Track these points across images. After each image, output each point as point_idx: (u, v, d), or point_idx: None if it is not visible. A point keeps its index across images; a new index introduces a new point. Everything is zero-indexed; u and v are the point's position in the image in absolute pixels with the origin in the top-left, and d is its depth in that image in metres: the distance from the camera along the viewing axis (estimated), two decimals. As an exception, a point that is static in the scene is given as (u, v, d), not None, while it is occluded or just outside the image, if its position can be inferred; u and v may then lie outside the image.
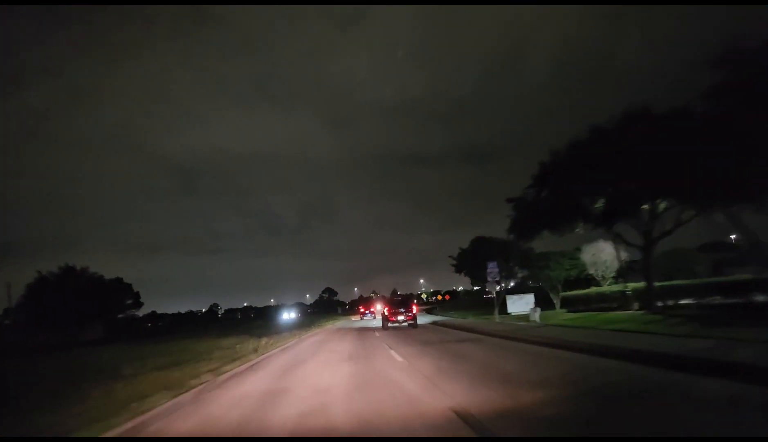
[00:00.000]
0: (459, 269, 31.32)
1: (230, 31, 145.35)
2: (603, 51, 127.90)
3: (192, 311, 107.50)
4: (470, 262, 28.85)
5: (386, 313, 22.11)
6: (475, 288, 47.59)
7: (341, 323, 35.18)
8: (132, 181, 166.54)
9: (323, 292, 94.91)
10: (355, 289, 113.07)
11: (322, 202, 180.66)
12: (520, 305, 25.18)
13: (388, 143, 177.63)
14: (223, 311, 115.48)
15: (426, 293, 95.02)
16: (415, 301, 34.89)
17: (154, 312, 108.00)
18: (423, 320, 27.52)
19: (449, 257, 31.76)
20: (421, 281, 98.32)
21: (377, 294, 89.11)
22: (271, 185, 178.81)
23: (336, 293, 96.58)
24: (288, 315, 51.36)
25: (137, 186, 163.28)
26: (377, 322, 29.18)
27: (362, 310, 43.39)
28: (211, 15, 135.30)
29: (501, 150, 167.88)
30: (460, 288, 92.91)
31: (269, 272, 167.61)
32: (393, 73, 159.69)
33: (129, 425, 4.82)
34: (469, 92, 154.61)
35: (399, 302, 24.28)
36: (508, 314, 24.89)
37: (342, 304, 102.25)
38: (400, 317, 21.18)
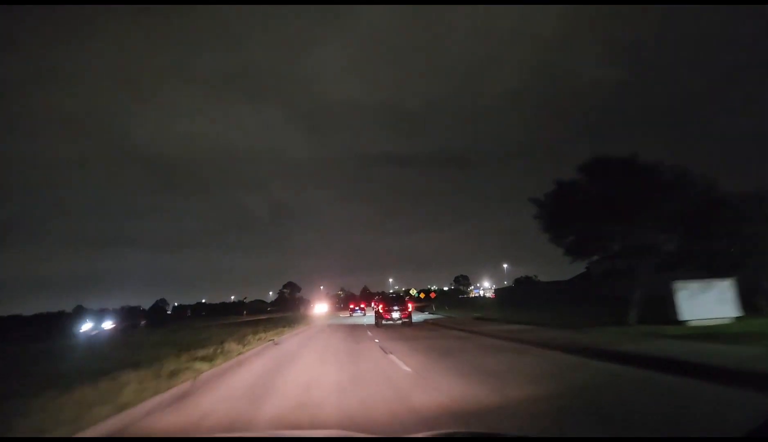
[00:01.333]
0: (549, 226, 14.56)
1: (204, 23, 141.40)
2: (568, 69, 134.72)
3: (133, 307, 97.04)
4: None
5: (381, 310, 21.69)
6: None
7: (302, 333, 18.97)
8: (92, 170, 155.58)
9: (284, 287, 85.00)
10: (321, 287, 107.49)
11: (293, 200, 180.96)
12: (710, 302, 11.73)
13: (361, 143, 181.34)
14: (171, 308, 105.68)
15: (415, 290, 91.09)
16: (409, 298, 35.35)
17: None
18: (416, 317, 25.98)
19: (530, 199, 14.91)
20: (390, 280, 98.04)
21: (368, 292, 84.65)
22: (242, 180, 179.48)
23: (299, 289, 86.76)
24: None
25: (98, 175, 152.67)
26: (368, 319, 27.97)
27: (352, 306, 43.19)
28: (183, 6, 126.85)
29: (472, 155, 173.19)
30: (433, 287, 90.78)
31: (236, 269, 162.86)
32: (368, 74, 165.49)
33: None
34: (442, 96, 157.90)
35: (394, 299, 24.13)
36: (683, 322, 11.48)
37: (308, 301, 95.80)
38: (395, 315, 20.88)
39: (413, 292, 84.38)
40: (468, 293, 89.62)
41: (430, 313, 33.99)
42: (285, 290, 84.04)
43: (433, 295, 55.62)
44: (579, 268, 38.81)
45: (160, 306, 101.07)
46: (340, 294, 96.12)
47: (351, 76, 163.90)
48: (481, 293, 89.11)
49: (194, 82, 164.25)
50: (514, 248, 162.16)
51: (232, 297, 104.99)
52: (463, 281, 72.88)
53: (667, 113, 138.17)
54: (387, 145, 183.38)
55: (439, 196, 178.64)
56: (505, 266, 71.14)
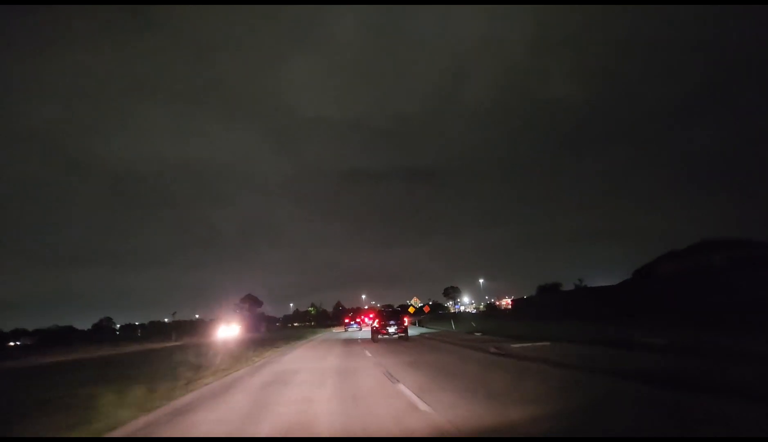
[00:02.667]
0: None
1: (173, 38, 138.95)
2: (537, 87, 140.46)
3: (72, 328, 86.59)
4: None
5: (377, 325, 21.81)
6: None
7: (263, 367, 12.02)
8: (49, 184, 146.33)
9: (242, 300, 68.30)
10: (291, 304, 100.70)
11: (262, 217, 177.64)
12: None
13: (331, 159, 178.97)
14: (118, 327, 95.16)
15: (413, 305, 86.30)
16: (407, 313, 32.69)
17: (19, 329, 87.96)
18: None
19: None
20: (363, 296, 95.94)
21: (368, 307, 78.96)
22: (210, 197, 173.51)
23: (260, 303, 72.25)
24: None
25: (56, 191, 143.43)
26: (362, 334, 28.09)
27: (347, 321, 42.64)
28: (153, 18, 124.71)
29: (443, 171, 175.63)
30: (412, 301, 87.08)
31: (204, 286, 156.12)
32: (338, 90, 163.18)
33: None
34: (413, 112, 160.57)
35: (390, 313, 24.37)
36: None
37: (273, 321, 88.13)
38: (391, 329, 20.99)
39: (415, 303, 79.76)
40: (447, 309, 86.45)
41: (414, 329, 32.38)
42: (242, 304, 67.60)
43: (426, 309, 52.12)
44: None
45: (105, 325, 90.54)
46: (311, 310, 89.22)
47: (321, 93, 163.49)
48: (462, 308, 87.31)
49: (162, 97, 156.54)
50: (488, 263, 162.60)
51: (196, 315, 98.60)
52: (452, 292, 68.02)
53: (637, 128, 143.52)
54: (358, 161, 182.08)
55: (412, 213, 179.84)
56: (481, 280, 71.14)
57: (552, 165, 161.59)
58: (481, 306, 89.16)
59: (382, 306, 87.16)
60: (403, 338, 20.68)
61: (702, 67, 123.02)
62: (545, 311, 29.33)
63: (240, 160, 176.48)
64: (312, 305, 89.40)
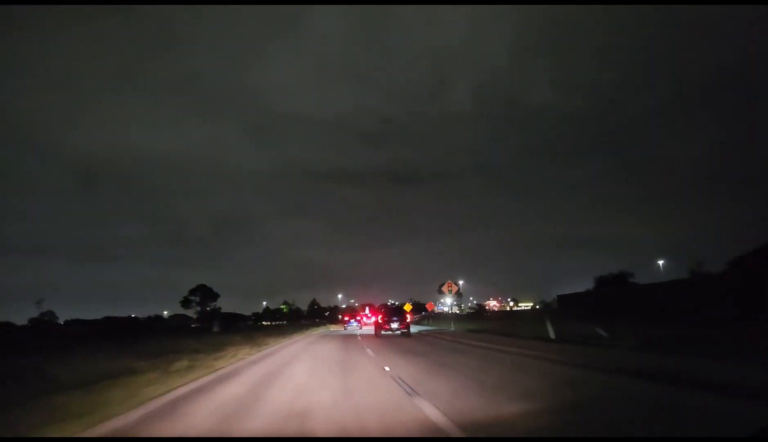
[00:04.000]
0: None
1: (148, 27, 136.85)
2: (518, 93, 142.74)
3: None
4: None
5: (380, 321, 22.52)
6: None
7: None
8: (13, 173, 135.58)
9: (191, 293, 55.61)
10: (264, 302, 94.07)
11: (237, 214, 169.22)
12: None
13: (310, 158, 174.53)
14: (62, 322, 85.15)
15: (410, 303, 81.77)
16: (410, 311, 32.56)
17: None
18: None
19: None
20: (339, 296, 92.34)
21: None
22: (183, 191, 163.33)
23: (215, 296, 58.86)
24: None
25: (19, 179, 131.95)
26: (363, 331, 29.27)
27: (346, 318, 41.46)
28: (129, 7, 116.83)
29: (424, 174, 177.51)
30: (391, 301, 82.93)
31: (175, 282, 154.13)
32: (322, 87, 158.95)
33: None
34: (396, 114, 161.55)
35: (393, 310, 24.44)
36: None
37: (241, 318, 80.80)
38: (394, 325, 21.36)
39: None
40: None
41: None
42: (192, 298, 55.81)
43: (430, 306, 49.32)
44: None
45: (44, 320, 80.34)
46: (283, 308, 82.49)
47: (302, 91, 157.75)
48: (446, 309, 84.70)
49: (136, 88, 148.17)
50: (469, 265, 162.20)
51: (165, 312, 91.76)
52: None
53: (615, 138, 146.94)
54: (338, 161, 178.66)
55: (391, 214, 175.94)
56: (461, 282, 68.73)
57: (532, 171, 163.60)
58: (462, 308, 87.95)
59: (380, 304, 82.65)
60: (405, 335, 20.79)
61: (681, 77, 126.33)
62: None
63: (215, 154, 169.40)
64: (285, 303, 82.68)
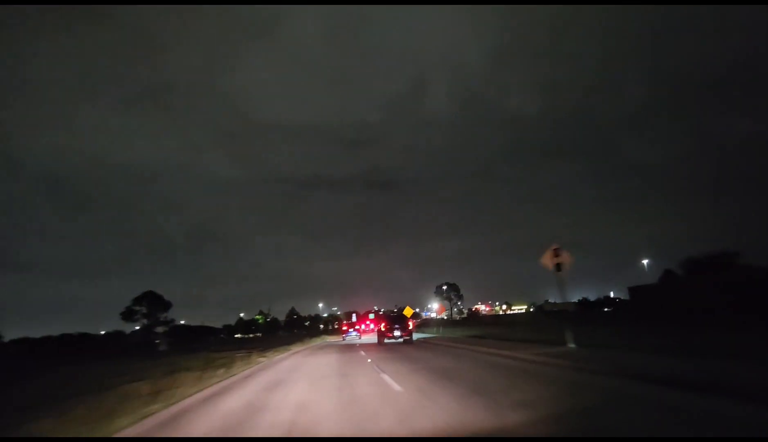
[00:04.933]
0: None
1: (120, 33, 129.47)
2: (493, 99, 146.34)
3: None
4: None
5: (383, 329, 22.47)
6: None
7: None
8: None
9: (135, 302, 45.11)
10: (242, 314, 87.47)
11: (213, 224, 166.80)
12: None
13: (288, 166, 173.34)
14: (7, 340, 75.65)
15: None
16: (412, 318, 31.46)
17: None
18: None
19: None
20: (320, 305, 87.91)
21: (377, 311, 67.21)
22: (155, 202, 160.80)
23: (167, 306, 48.31)
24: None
25: None
26: (363, 341, 29.53)
27: (345, 328, 38.99)
28: (98, 13, 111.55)
29: (404, 180, 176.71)
30: (375, 308, 78.59)
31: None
32: (299, 94, 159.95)
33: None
34: (375, 120, 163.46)
35: (396, 319, 24.10)
36: None
37: (210, 332, 73.69)
38: (396, 333, 21.41)
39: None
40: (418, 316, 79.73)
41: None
42: (137, 308, 45.31)
43: (442, 310, 43.90)
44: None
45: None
46: (258, 319, 75.89)
47: (279, 98, 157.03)
48: (433, 315, 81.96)
49: (107, 96, 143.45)
50: (451, 272, 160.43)
51: (137, 327, 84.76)
52: (448, 292, 57.42)
53: (586, 144, 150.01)
54: (316, 168, 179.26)
55: (371, 222, 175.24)
56: (444, 287, 70.49)
57: (508, 176, 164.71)
58: (452, 313, 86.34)
59: (386, 310, 78.14)
60: (408, 342, 20.95)
61: (648, 84, 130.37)
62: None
63: (190, 163, 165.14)
64: (260, 313, 75.97)
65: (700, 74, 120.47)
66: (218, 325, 79.70)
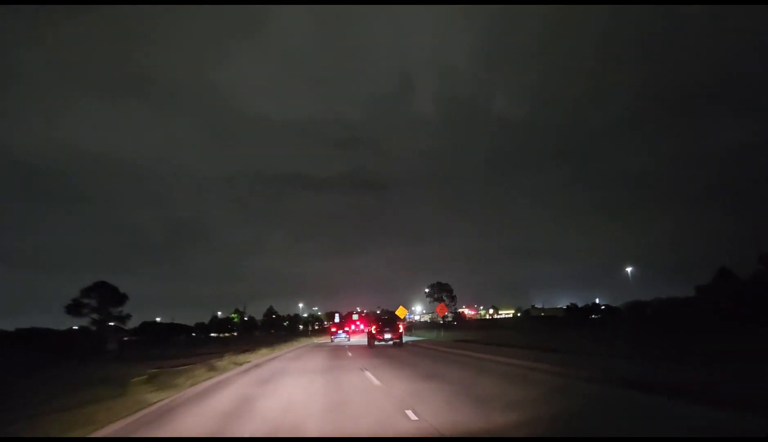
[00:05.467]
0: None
1: (101, 23, 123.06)
2: (481, 97, 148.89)
3: None
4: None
5: (373, 331, 22.67)
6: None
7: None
8: None
9: (84, 294, 38.44)
10: (219, 313, 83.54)
11: (195, 220, 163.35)
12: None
13: (272, 163, 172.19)
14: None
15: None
16: (402, 321, 31.22)
17: None
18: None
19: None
20: (301, 305, 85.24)
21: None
22: (135, 196, 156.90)
23: (122, 299, 41.70)
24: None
25: None
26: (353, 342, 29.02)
27: (333, 329, 37.44)
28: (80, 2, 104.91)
29: (389, 181, 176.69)
30: (358, 309, 76.40)
31: (128, 293, 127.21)
32: (285, 91, 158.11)
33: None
34: (361, 119, 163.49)
35: (386, 321, 24.06)
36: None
37: (180, 330, 69.20)
38: (387, 336, 21.64)
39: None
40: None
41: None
42: (86, 301, 38.16)
43: (446, 309, 42.36)
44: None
45: None
46: (234, 317, 71.89)
47: (265, 94, 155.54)
48: (418, 318, 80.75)
49: (86, 86, 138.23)
50: (435, 275, 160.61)
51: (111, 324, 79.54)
52: (439, 292, 54.14)
53: (571, 150, 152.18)
54: (301, 166, 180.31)
55: (355, 222, 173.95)
56: (426, 290, 67.40)
57: (493, 180, 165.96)
58: (429, 317, 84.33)
59: (381, 311, 75.80)
60: (398, 345, 21.04)
61: (636, 92, 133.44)
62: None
63: (171, 157, 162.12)
64: (236, 311, 71.92)
65: (689, 84, 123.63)
66: (191, 323, 75.24)
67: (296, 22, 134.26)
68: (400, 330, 22.51)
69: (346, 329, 36.34)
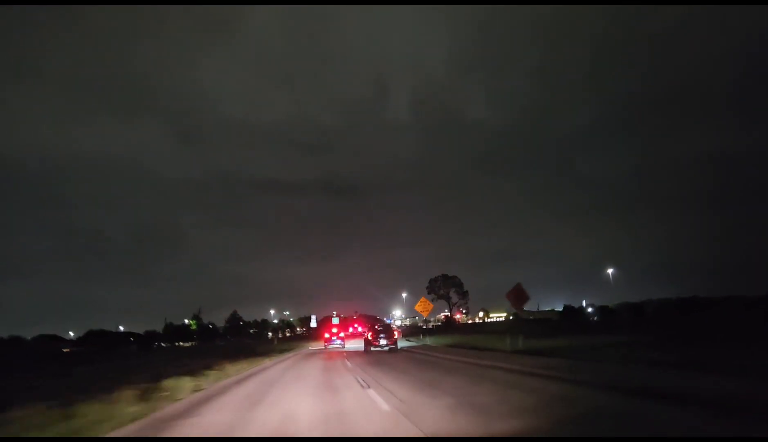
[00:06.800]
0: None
1: (66, 17, 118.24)
2: (455, 102, 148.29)
3: None
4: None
5: (369, 338, 23.50)
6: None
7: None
8: None
9: None
10: (186, 320, 75.71)
11: (161, 224, 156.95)
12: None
13: (244, 166, 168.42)
14: None
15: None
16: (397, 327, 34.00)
17: None
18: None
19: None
20: (272, 311, 79.16)
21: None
22: (99, 198, 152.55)
23: None
24: None
25: None
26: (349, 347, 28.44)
27: (327, 336, 33.29)
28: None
29: (363, 186, 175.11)
30: (335, 312, 70.78)
31: (90, 299, 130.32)
32: (258, 95, 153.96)
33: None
34: (335, 124, 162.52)
35: (382, 327, 24.89)
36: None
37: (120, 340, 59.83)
38: (383, 341, 22.36)
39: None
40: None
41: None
42: None
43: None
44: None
45: None
46: (192, 325, 62.91)
47: (237, 97, 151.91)
48: (399, 322, 77.15)
49: (48, 82, 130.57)
50: (406, 279, 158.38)
51: (71, 333, 78.19)
52: (445, 287, 46.45)
53: (546, 155, 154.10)
54: (273, 170, 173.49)
55: (327, 227, 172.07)
56: (404, 294, 66.50)
57: (469, 185, 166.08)
58: (407, 321, 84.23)
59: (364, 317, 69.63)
60: (393, 351, 21.66)
61: (599, 102, 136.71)
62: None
63: (138, 158, 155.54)
64: (193, 317, 62.92)
65: (650, 93, 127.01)
66: (147, 331, 65.81)
67: (268, 25, 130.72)
68: (395, 337, 23.76)
69: (342, 335, 33.44)
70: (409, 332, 42.60)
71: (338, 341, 31.26)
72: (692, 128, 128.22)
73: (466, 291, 44.11)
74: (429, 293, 46.24)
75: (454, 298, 43.53)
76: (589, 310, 66.66)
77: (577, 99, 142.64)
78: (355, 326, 38.96)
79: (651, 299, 63.83)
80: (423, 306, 29.05)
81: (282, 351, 27.68)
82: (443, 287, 43.84)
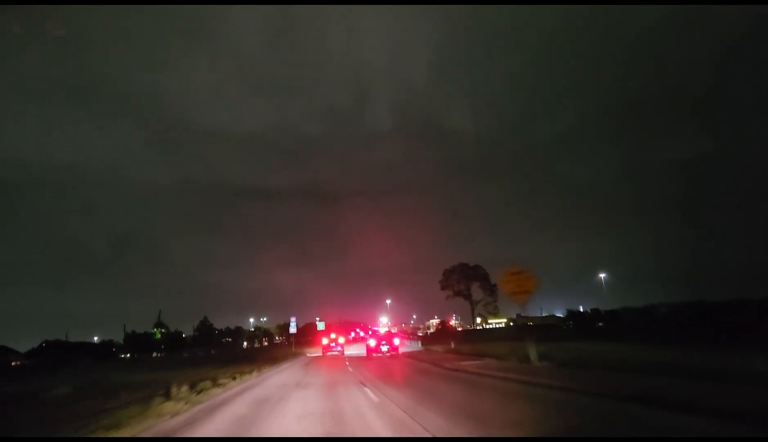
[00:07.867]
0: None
1: (38, 24, 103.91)
2: (435, 108, 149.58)
3: None
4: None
5: (372, 345, 25.41)
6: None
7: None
8: None
9: None
10: (132, 328, 69.37)
11: (140, 232, 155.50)
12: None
13: (224, 173, 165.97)
14: None
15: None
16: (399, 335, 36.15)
17: None
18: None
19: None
20: (251, 320, 76.63)
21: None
22: (75, 207, 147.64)
23: None
24: None
25: None
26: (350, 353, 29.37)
27: (326, 343, 32.30)
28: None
29: (343, 193, 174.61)
30: (318, 319, 65.43)
31: (69, 310, 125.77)
32: (238, 102, 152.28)
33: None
34: (315, 131, 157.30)
35: (384, 335, 27.18)
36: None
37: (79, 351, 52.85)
38: (384, 348, 24.43)
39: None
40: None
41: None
42: None
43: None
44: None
45: None
46: (155, 333, 56.01)
47: (219, 104, 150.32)
48: (384, 329, 72.16)
49: (22, 91, 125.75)
50: (386, 285, 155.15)
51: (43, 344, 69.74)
52: (462, 277, 37.73)
53: (526, 161, 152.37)
54: (253, 178, 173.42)
55: (307, 234, 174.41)
56: (388, 301, 70.59)
57: (450, 192, 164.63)
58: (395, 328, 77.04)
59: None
60: (394, 357, 22.60)
61: (576, 109, 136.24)
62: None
63: (116, 167, 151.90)
64: (156, 325, 55.92)
65: (631, 99, 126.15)
66: (97, 340, 58.64)
67: (248, 31, 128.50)
68: (397, 344, 24.72)
69: (342, 341, 34.13)
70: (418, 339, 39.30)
71: (337, 349, 31.53)
72: (671, 134, 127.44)
73: (494, 285, 35.70)
74: (443, 289, 37.92)
75: (477, 294, 34.49)
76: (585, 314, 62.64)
77: (557, 104, 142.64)
78: (357, 331, 42.34)
79: (653, 304, 60.18)
80: (516, 283, 13.88)
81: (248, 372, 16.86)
82: (462, 281, 34.62)
